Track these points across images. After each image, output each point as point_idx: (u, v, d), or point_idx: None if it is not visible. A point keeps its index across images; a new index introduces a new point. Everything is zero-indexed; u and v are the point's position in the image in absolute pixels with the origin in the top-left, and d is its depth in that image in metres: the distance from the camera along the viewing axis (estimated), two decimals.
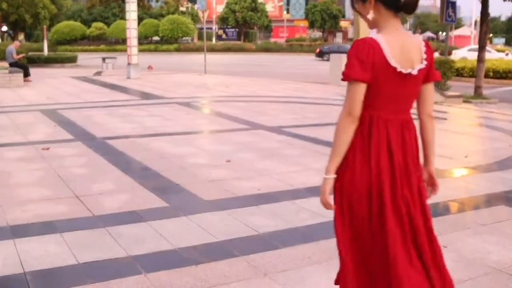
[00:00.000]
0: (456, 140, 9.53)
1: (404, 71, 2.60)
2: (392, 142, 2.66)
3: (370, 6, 2.65)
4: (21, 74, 19.10)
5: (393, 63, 2.57)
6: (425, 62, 2.67)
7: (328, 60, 16.79)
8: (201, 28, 51.50)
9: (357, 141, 2.66)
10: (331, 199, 2.73)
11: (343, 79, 2.62)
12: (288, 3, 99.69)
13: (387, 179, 2.64)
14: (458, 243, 4.56)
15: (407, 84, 2.64)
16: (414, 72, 2.63)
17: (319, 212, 5.28)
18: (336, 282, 2.88)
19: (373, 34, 2.65)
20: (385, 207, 2.62)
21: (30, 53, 33.67)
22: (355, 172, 2.65)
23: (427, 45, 2.70)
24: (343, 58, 21.58)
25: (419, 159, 2.80)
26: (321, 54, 44.70)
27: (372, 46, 2.56)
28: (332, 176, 2.69)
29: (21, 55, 23.21)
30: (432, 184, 2.99)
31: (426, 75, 2.71)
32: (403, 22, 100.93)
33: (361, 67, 2.55)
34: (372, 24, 2.70)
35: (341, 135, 2.65)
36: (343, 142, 2.65)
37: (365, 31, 15.51)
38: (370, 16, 2.67)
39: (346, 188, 2.68)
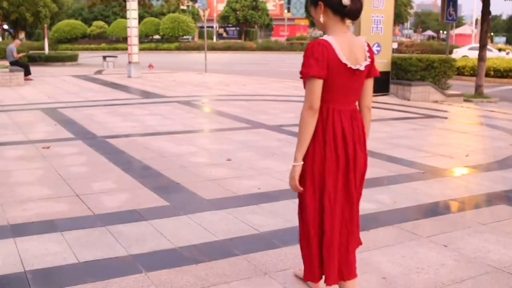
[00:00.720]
0: (457, 139, 9.53)
1: (353, 67, 3.04)
2: (345, 131, 3.12)
3: (321, 11, 3.09)
4: (22, 73, 19.11)
5: (344, 60, 3.01)
6: (369, 60, 3.13)
7: None
8: (202, 27, 51.51)
9: (318, 131, 3.11)
10: (297, 178, 3.17)
11: (301, 77, 3.04)
12: (289, 2, 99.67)
13: (343, 162, 3.13)
14: (459, 242, 4.56)
15: (355, 78, 3.10)
16: (362, 68, 3.09)
17: None
18: (302, 247, 3.40)
19: (325, 36, 3.07)
20: (339, 185, 3.15)
21: (31, 52, 33.69)
22: (318, 158, 3.12)
23: (368, 46, 3.18)
24: None
25: (365, 143, 3.24)
26: None
27: (325, 46, 2.98)
28: (300, 163, 3.14)
29: (21, 54, 23.21)
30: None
31: (368, 72, 3.18)
32: (404, 21, 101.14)
33: (318, 65, 2.96)
34: (322, 27, 3.13)
35: (304, 127, 3.08)
36: (307, 132, 3.09)
37: (366, 30, 15.51)
38: (321, 19, 3.11)
39: (312, 170, 3.14)
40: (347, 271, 3.28)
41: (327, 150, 3.10)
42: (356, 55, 3.07)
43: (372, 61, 3.18)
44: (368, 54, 3.14)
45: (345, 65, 3.01)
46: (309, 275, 3.37)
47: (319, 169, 3.13)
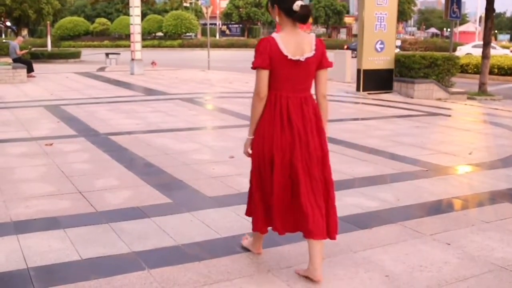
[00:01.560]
0: (460, 137, 9.52)
1: (294, 58, 3.55)
2: (292, 114, 3.60)
3: (276, 12, 3.65)
4: (25, 70, 19.12)
5: (285, 52, 3.54)
6: (313, 52, 3.61)
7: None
8: (205, 24, 51.47)
9: (266, 113, 3.66)
10: (249, 151, 3.82)
11: (252, 68, 3.62)
12: None
13: (287, 141, 3.61)
14: (462, 240, 4.55)
15: (299, 68, 3.59)
16: (302, 59, 3.57)
17: None
18: (247, 214, 4.05)
19: (273, 33, 3.65)
20: (283, 162, 3.62)
21: (34, 49, 33.69)
22: (265, 136, 3.66)
23: (318, 41, 3.68)
24: (347, 54, 21.57)
25: (320, 127, 3.71)
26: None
27: (269, 41, 3.58)
28: (251, 137, 3.78)
29: (24, 51, 23.23)
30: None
31: (319, 63, 3.67)
32: (408, 19, 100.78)
33: (261, 57, 3.54)
34: (279, 25, 3.69)
35: (253, 110, 3.71)
36: (255, 115, 3.70)
37: (370, 27, 15.49)
38: (276, 19, 3.68)
39: (262, 145, 3.69)
40: (315, 232, 3.64)
41: (274, 130, 3.62)
42: (303, 49, 3.59)
43: (322, 54, 3.68)
44: (314, 48, 3.63)
45: (286, 56, 3.54)
46: (256, 227, 3.93)
47: (268, 145, 3.65)
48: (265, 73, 3.57)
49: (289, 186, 3.68)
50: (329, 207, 3.75)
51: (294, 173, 3.64)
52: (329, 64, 3.72)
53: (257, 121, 3.71)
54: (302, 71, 3.61)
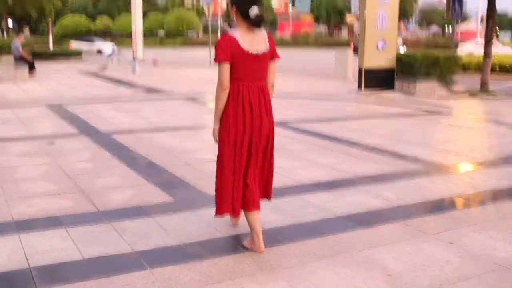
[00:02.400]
0: (462, 135, 9.50)
1: (252, 52, 4.07)
2: (252, 102, 4.15)
3: (234, 12, 4.14)
4: (26, 69, 19.13)
5: (245, 48, 4.04)
6: (267, 47, 4.15)
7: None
8: (207, 23, 51.60)
9: (230, 102, 4.12)
10: (217, 137, 4.25)
11: (215, 62, 4.04)
12: None
13: (249, 125, 4.14)
14: (464, 239, 4.54)
15: (256, 61, 4.12)
16: (259, 53, 4.10)
17: (325, 207, 5.28)
18: (218, 212, 4.29)
19: (232, 31, 4.12)
20: (245, 141, 4.16)
21: (36, 47, 33.70)
22: (230, 121, 4.13)
23: (269, 37, 4.22)
24: (349, 53, 21.56)
25: (269, 110, 4.30)
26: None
27: (230, 38, 4.05)
28: (217, 126, 4.22)
29: (26, 54, 23.15)
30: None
31: (271, 56, 4.23)
32: (409, 17, 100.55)
33: (223, 53, 4.01)
34: (237, 24, 4.16)
35: (217, 100, 4.14)
36: (220, 104, 4.14)
37: (371, 26, 15.48)
38: (234, 19, 4.14)
39: (228, 130, 4.14)
40: (251, 203, 4.25)
41: (238, 115, 4.12)
42: (258, 45, 4.11)
43: (273, 48, 4.24)
44: (267, 43, 4.18)
45: (247, 52, 4.04)
46: (219, 210, 4.27)
47: (234, 130, 4.13)
48: (227, 67, 4.05)
49: (245, 166, 4.24)
50: (269, 175, 4.46)
51: (250, 150, 4.21)
52: (278, 57, 4.33)
53: (222, 110, 4.15)
54: (259, 63, 4.16)
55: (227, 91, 4.10)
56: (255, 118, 4.17)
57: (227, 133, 4.15)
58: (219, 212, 4.27)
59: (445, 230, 4.75)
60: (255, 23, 4.06)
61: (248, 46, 4.06)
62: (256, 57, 4.11)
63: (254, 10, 4.01)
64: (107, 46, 35.21)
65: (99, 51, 34.33)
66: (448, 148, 8.25)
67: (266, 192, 4.47)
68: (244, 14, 4.05)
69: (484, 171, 7.03)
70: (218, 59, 4.04)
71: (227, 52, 4.02)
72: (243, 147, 4.17)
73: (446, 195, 5.85)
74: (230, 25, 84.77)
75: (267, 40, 4.18)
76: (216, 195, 4.29)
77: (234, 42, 4.04)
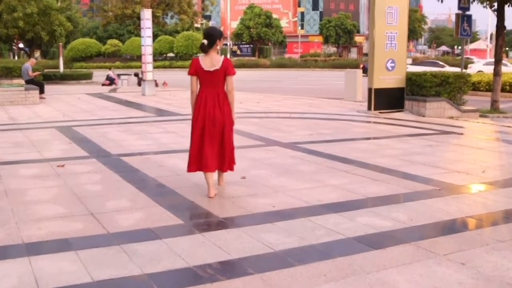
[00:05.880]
0: (473, 155, 9.45)
1: (207, 69, 6.32)
2: (208, 102, 6.35)
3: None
4: (37, 91, 19.28)
5: (203, 66, 6.33)
6: (219, 67, 6.33)
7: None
8: None
9: (197, 101, 6.44)
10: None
11: (188, 74, 6.47)
12: (302, 19, 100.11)
13: (202, 117, 6.37)
14: (477, 260, 4.50)
15: (212, 76, 6.35)
16: (211, 70, 6.32)
17: (335, 229, 5.26)
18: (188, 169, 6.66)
19: (199, 55, 6.49)
20: (201, 126, 6.40)
21: (46, 70, 33.99)
22: (195, 112, 6.46)
23: (225, 59, 6.44)
24: (358, 73, 21.61)
25: (223, 108, 6.41)
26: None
27: (196, 60, 6.42)
28: (192, 114, 6.53)
29: (37, 73, 23.42)
30: (232, 120, 6.58)
31: (223, 72, 6.36)
32: (419, 37, 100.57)
33: (192, 69, 6.40)
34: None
35: (191, 100, 6.54)
36: (192, 102, 6.52)
37: (380, 46, 15.52)
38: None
39: (196, 119, 6.44)
40: (220, 167, 6.65)
41: (199, 109, 6.39)
42: (213, 64, 6.34)
43: (227, 67, 6.37)
44: (220, 63, 6.34)
45: (203, 69, 6.33)
46: (189, 168, 6.60)
47: (196, 118, 6.44)
48: (194, 78, 6.44)
49: (202, 139, 6.40)
50: (225, 151, 6.51)
51: (205, 131, 6.38)
52: (231, 72, 6.43)
53: (194, 105, 6.48)
54: (214, 77, 6.36)
55: (195, 94, 6.48)
56: (208, 111, 6.34)
57: (194, 119, 6.47)
58: (189, 170, 6.59)
59: (457, 251, 4.72)
60: (202, 50, 6.38)
61: (204, 65, 6.33)
62: (210, 73, 6.33)
63: (203, 42, 6.37)
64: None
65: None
66: (459, 168, 8.21)
67: (223, 164, 6.59)
68: (201, 46, 6.41)
69: (496, 191, 6.98)
70: (189, 73, 6.46)
71: (193, 69, 6.40)
72: (202, 128, 6.37)
73: (458, 216, 5.81)
74: (240, 49, 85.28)
75: (220, 62, 6.35)
76: (188, 158, 6.56)
77: (197, 62, 6.40)
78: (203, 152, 6.37)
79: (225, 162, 6.55)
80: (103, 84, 31.35)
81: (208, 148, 6.34)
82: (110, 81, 32.02)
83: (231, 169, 6.71)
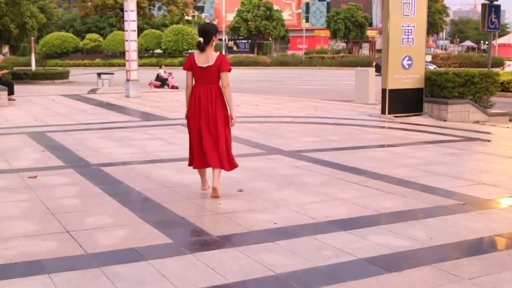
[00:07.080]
0: (502, 165, 9.46)
1: (201, 65, 6.99)
2: (201, 97, 7.04)
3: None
4: (5, 92, 19.21)
5: (197, 62, 7.01)
6: (213, 63, 6.95)
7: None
8: None
9: (191, 96, 7.18)
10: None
11: (183, 69, 7.28)
12: (307, 11, 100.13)
13: (197, 112, 7.07)
14: (507, 286, 4.50)
15: (205, 71, 7.01)
16: (204, 66, 6.97)
17: (344, 249, 5.26)
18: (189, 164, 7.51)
19: (194, 51, 7.27)
20: (195, 121, 7.13)
21: (16, 68, 33.99)
22: (189, 108, 7.20)
23: (219, 56, 7.07)
24: (370, 72, 21.62)
25: (217, 105, 7.07)
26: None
27: (191, 56, 7.18)
28: (187, 109, 7.28)
29: (5, 71, 23.38)
30: (231, 118, 7.20)
31: (217, 69, 6.97)
32: (439, 31, 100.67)
33: (186, 64, 7.21)
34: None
35: (186, 95, 7.33)
36: (187, 97, 7.27)
37: (396, 41, 15.53)
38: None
39: (188, 115, 7.26)
40: (211, 163, 7.09)
41: (193, 105, 7.11)
42: (208, 61, 6.98)
43: (220, 63, 6.98)
44: (214, 60, 6.97)
45: (197, 65, 7.01)
46: (189, 163, 7.43)
47: (189, 114, 7.21)
48: (189, 73, 7.17)
49: (199, 136, 7.09)
50: (218, 147, 7.02)
51: (201, 129, 7.04)
52: (225, 69, 7.02)
53: (189, 99, 7.21)
54: (207, 73, 7.02)
55: (189, 89, 7.23)
56: (202, 105, 7.02)
57: (187, 115, 7.24)
58: (189, 164, 7.45)
59: (485, 275, 4.71)
60: (198, 48, 7.05)
61: (199, 61, 7.02)
62: (204, 69, 7.00)
63: (199, 40, 7.03)
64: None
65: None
66: (486, 180, 8.22)
67: (214, 161, 7.05)
68: (197, 44, 7.10)
69: None
70: (184, 68, 7.25)
71: (188, 64, 7.16)
72: (194, 123, 7.11)
73: (485, 234, 5.81)
74: (236, 44, 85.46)
75: (214, 58, 6.99)
76: (189, 153, 7.40)
77: (192, 58, 7.12)
78: (192, 148, 7.23)
79: (216, 158, 7.05)
80: (154, 86, 29.37)
81: (196, 144, 7.14)
82: (162, 82, 29.72)
83: (225, 168, 7.17)
